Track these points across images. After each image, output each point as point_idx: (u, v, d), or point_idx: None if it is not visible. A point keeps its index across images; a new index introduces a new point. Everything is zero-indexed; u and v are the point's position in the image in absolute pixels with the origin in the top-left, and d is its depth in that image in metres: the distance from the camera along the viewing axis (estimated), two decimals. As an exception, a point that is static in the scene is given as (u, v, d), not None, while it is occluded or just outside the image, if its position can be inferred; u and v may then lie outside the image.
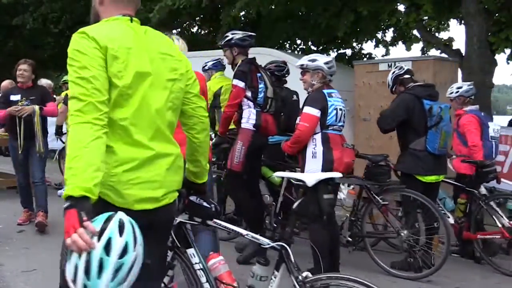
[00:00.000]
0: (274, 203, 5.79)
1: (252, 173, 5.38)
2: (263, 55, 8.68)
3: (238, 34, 5.40)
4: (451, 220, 5.80)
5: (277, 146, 5.47)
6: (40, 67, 19.75)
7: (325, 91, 4.78)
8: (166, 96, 2.33)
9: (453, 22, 13.96)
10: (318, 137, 4.68)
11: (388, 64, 8.30)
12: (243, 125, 5.23)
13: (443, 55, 11.02)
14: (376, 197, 5.32)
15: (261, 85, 5.31)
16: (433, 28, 13.21)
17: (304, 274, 2.64)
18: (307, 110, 4.68)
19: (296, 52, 17.70)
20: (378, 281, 5.01)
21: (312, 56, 5.03)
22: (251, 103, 5.23)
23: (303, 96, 5.66)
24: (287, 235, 2.80)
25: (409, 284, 5.03)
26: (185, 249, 2.86)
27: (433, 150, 5.30)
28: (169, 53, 2.41)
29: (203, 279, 2.77)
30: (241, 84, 5.13)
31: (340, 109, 4.78)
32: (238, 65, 5.29)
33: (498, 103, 49.42)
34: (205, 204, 2.80)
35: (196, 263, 2.82)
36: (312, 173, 4.37)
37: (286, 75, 6.45)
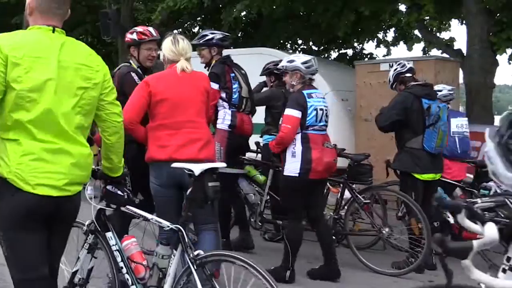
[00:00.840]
0: (259, 202, 5.83)
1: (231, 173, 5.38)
2: (264, 55, 8.70)
3: (218, 34, 5.38)
4: (451, 220, 5.80)
5: None
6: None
7: (305, 91, 4.84)
8: (75, 102, 2.65)
9: (454, 22, 13.98)
10: (298, 137, 4.77)
11: (390, 64, 8.29)
12: (218, 126, 5.25)
13: (445, 55, 11.03)
14: (359, 195, 5.41)
15: (235, 85, 5.31)
16: (434, 28, 13.21)
17: (196, 252, 3.01)
18: (288, 111, 4.78)
19: (297, 52, 17.71)
20: (378, 281, 5.05)
21: (291, 57, 5.12)
22: (225, 104, 5.25)
23: None
24: (183, 219, 3.16)
25: (410, 283, 5.03)
26: (104, 233, 3.28)
27: (430, 149, 5.31)
28: (85, 64, 2.72)
29: (119, 259, 3.22)
30: (215, 86, 5.11)
31: (321, 109, 4.84)
32: (212, 66, 5.26)
33: (499, 104, 49.40)
34: (119, 192, 3.21)
35: (113, 245, 3.25)
36: (291, 172, 4.70)
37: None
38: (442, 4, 10.63)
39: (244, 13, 12.60)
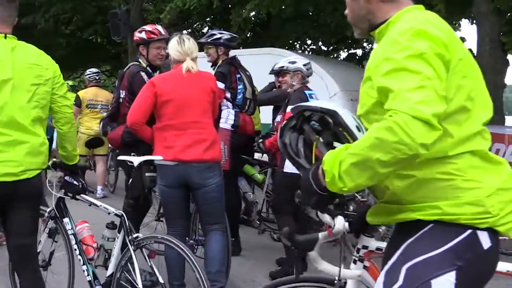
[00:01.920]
0: (257, 201, 5.89)
1: (232, 172, 5.43)
2: (274, 55, 8.69)
3: (226, 34, 5.42)
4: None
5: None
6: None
7: (306, 92, 4.94)
8: (29, 97, 3.05)
9: (464, 22, 13.94)
10: None
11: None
12: (221, 125, 5.26)
13: (455, 55, 10.97)
14: (356, 194, 5.36)
15: (240, 86, 5.35)
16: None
17: (135, 235, 3.33)
18: (291, 109, 4.79)
19: (306, 52, 17.70)
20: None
21: (292, 58, 5.22)
22: (229, 104, 5.27)
23: None
24: (125, 206, 3.54)
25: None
26: (62, 218, 3.61)
27: None
28: (36, 63, 3.13)
29: (73, 242, 3.54)
30: (221, 85, 5.14)
31: None
32: (218, 65, 5.29)
33: (510, 104, 49.13)
34: (75, 182, 3.53)
35: (69, 229, 3.58)
36: (292, 169, 4.52)
37: None
38: (453, 4, 10.58)
39: (253, 13, 12.60)
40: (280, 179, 5.09)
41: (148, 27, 4.60)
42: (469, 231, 1.65)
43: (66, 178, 3.57)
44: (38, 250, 3.57)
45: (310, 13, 14.28)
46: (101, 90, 9.26)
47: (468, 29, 46.20)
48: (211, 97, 4.08)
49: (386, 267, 1.76)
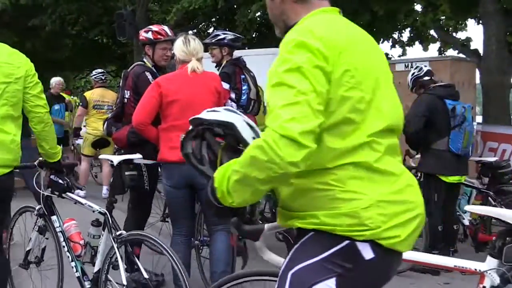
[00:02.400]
0: (259, 200, 5.84)
1: None
2: (279, 56, 8.66)
3: (230, 35, 5.41)
4: (466, 222, 5.75)
5: None
6: (57, 68, 19.98)
7: None
8: None
9: (471, 22, 13.91)
10: None
11: (405, 65, 8.24)
12: None
13: (461, 55, 10.94)
14: None
15: (245, 87, 5.33)
16: (450, 28, 13.12)
17: (119, 232, 3.39)
18: None
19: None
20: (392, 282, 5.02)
21: None
22: (234, 105, 5.26)
23: None
24: (108, 203, 3.52)
25: (427, 285, 5.00)
26: (50, 216, 3.69)
27: (457, 150, 5.24)
28: (6, 62, 3.19)
29: (61, 239, 3.63)
30: (226, 86, 5.14)
31: None
32: (223, 66, 5.28)
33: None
34: (60, 181, 3.63)
35: (57, 227, 3.66)
36: None
37: None
38: (458, 4, 10.55)
39: (259, 13, 12.59)
40: None
41: (154, 28, 4.59)
42: (346, 242, 1.64)
43: (52, 177, 3.65)
44: (28, 248, 3.79)
45: (316, 13, 14.26)
46: (107, 91, 9.28)
47: (475, 29, 46.03)
48: (216, 97, 4.07)
49: (280, 272, 1.79)
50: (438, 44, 14.81)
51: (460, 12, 11.34)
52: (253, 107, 5.45)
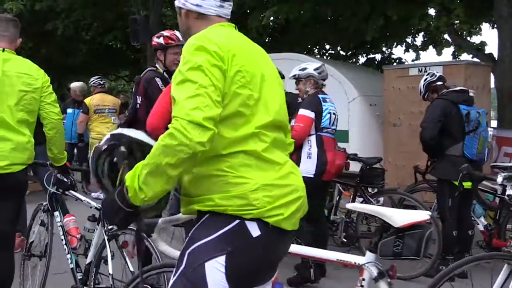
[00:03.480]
0: None
1: None
2: (292, 60, 8.67)
3: None
4: (480, 227, 5.70)
5: None
6: (72, 73, 20.12)
7: (320, 96, 5.03)
8: (16, 101, 3.54)
9: (485, 26, 13.75)
10: (313, 138, 4.92)
11: (419, 69, 8.19)
12: None
13: (475, 59, 10.86)
14: (370, 198, 5.44)
15: None
16: (464, 32, 13.01)
17: (110, 226, 3.57)
18: (302, 112, 4.93)
19: (325, 57, 17.64)
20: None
21: (302, 65, 5.26)
22: None
23: None
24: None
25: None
26: (53, 212, 4.07)
27: (471, 155, 5.21)
28: (26, 73, 3.63)
29: (61, 233, 3.99)
30: None
31: (334, 114, 5.06)
32: None
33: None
34: (65, 179, 4.04)
35: (58, 222, 4.03)
36: (306, 173, 4.72)
37: (281, 78, 6.51)
38: (472, 7, 10.48)
39: (272, 18, 12.60)
40: None
41: (166, 33, 4.61)
42: (237, 221, 1.90)
43: (58, 176, 4.04)
44: (31, 240, 4.18)
45: (329, 18, 14.23)
46: (106, 95, 9.38)
47: (489, 33, 45.79)
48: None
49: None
50: (452, 49, 14.71)
51: (474, 16, 11.25)
52: None
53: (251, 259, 1.93)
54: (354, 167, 5.76)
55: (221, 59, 1.89)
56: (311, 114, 4.89)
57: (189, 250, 1.93)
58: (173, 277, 1.96)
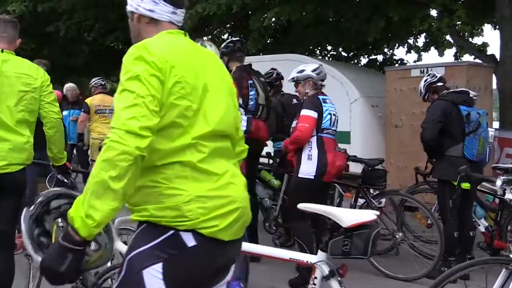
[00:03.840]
0: (273, 206, 5.96)
1: (248, 177, 5.47)
2: (294, 61, 8.68)
3: (223, 43, 5.56)
4: (481, 228, 5.70)
5: None
6: (74, 74, 20.13)
7: (320, 97, 5.04)
8: (16, 101, 3.58)
9: (487, 27, 13.77)
10: (313, 140, 4.94)
11: (421, 70, 8.20)
12: None
13: (477, 60, 10.85)
14: (372, 200, 5.44)
15: (252, 92, 5.40)
16: (466, 33, 13.02)
17: None
18: (306, 112, 4.93)
19: (326, 58, 17.65)
20: (391, 286, 5.10)
21: (300, 67, 5.27)
22: (241, 110, 5.30)
23: None
24: None
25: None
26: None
27: (471, 156, 5.22)
28: (25, 73, 3.67)
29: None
30: None
31: (334, 115, 5.07)
32: (232, 72, 5.34)
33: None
34: (65, 180, 4.08)
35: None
36: (306, 174, 4.86)
37: (279, 80, 6.71)
38: (474, 9, 10.48)
39: (273, 19, 12.60)
40: (293, 184, 5.13)
41: (169, 34, 4.62)
42: (172, 231, 1.91)
43: (59, 176, 4.11)
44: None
45: (331, 19, 14.23)
46: (107, 96, 9.43)
47: (491, 34, 45.76)
48: (232, 103, 4.08)
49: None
50: (454, 50, 14.70)
51: (476, 17, 11.26)
52: (262, 112, 5.48)
53: (188, 268, 1.94)
54: (356, 168, 5.77)
55: (159, 69, 1.89)
56: (315, 114, 4.90)
57: (128, 258, 1.96)
58: (115, 285, 2.00)
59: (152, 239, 1.92)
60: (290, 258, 2.74)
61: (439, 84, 5.55)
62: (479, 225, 5.69)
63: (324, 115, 4.95)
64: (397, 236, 5.40)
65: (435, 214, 5.48)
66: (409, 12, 11.15)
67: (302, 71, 5.15)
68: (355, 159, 5.58)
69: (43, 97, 3.73)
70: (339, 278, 2.50)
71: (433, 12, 12.02)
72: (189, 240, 1.91)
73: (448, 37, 14.09)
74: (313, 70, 5.10)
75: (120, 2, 17.26)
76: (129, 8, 2.21)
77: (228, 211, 1.98)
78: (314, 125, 4.90)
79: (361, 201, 5.55)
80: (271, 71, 6.65)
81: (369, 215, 2.56)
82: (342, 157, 5.11)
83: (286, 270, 5.06)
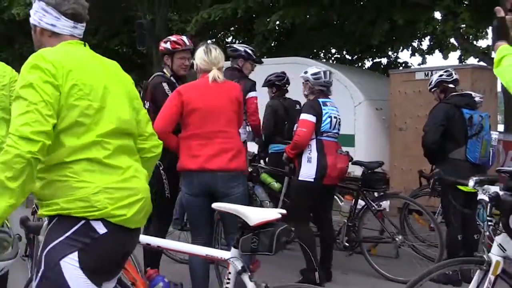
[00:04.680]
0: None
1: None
2: (298, 65, 8.69)
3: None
4: (486, 232, 5.66)
5: (279, 154, 5.95)
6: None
7: (320, 100, 5.03)
8: None
9: (491, 30, 13.69)
10: (313, 143, 4.93)
11: (425, 73, 8.19)
12: None
13: (482, 63, 10.82)
14: (372, 202, 5.43)
15: None
16: (471, 36, 13.00)
17: None
18: (304, 116, 4.95)
19: (330, 61, 17.65)
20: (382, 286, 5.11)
21: (309, 68, 5.29)
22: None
23: None
24: None
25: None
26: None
27: (474, 159, 5.20)
28: None
29: None
30: (254, 94, 5.31)
31: (335, 117, 5.04)
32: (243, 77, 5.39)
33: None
34: None
35: None
36: (306, 176, 4.86)
37: (287, 85, 6.67)
38: (479, 11, 10.45)
39: (277, 22, 12.61)
40: (294, 187, 5.14)
41: (173, 38, 4.64)
42: (83, 221, 2.06)
43: None
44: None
45: (335, 22, 14.23)
46: None
47: (495, 37, 45.42)
48: (236, 106, 4.09)
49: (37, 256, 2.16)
50: (458, 53, 14.67)
51: (481, 20, 11.20)
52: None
53: (102, 254, 2.11)
54: (359, 172, 5.76)
55: (53, 76, 2.03)
56: (313, 118, 4.90)
57: (44, 253, 2.08)
58: (35, 280, 2.11)
59: (65, 231, 2.06)
60: (206, 255, 2.93)
61: (451, 85, 5.53)
62: (483, 228, 5.66)
63: (324, 118, 4.94)
64: (397, 239, 5.38)
65: (435, 217, 5.47)
66: (413, 15, 11.13)
67: (305, 72, 5.18)
68: (354, 161, 5.59)
69: (12, 93, 3.74)
70: (249, 274, 2.67)
71: (438, 15, 11.99)
72: (100, 228, 2.08)
73: (452, 40, 14.07)
74: (312, 74, 5.10)
75: (124, 5, 17.34)
76: (31, 21, 2.32)
77: (133, 201, 2.16)
78: (312, 129, 4.90)
79: (362, 204, 5.55)
80: (283, 75, 6.63)
81: (274, 214, 2.73)
82: (344, 160, 5.11)
83: (290, 273, 5.06)
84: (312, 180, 4.87)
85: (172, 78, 4.57)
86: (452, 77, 5.55)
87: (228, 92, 4.04)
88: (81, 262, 2.05)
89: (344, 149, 5.32)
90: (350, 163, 5.39)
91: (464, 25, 10.96)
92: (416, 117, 7.93)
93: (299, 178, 4.96)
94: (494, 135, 6.04)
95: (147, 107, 4.50)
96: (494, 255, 3.00)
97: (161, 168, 4.34)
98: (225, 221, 4.10)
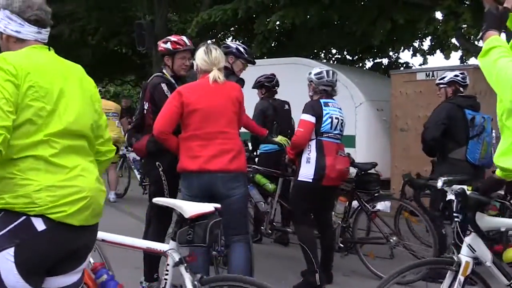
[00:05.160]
0: (268, 210, 5.98)
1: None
2: (299, 65, 8.66)
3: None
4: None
5: (269, 154, 6.10)
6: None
7: (322, 100, 5.00)
8: None
9: (493, 31, 13.63)
10: (312, 143, 4.91)
11: (426, 74, 8.16)
12: None
13: (483, 64, 10.75)
14: (366, 204, 5.42)
15: None
16: (472, 36, 12.94)
17: None
18: (303, 116, 4.93)
19: (331, 61, 17.61)
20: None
21: (313, 69, 5.30)
22: None
23: (294, 105, 6.47)
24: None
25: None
26: None
27: (474, 160, 5.22)
28: None
29: None
30: None
31: (336, 118, 4.99)
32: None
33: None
34: None
35: None
36: (305, 177, 4.85)
37: (276, 87, 6.72)
38: (480, 12, 10.40)
39: (278, 22, 12.58)
40: (293, 187, 5.13)
41: (173, 38, 4.60)
42: (23, 217, 2.16)
43: None
44: None
45: (335, 22, 14.19)
46: (106, 101, 9.64)
47: (496, 38, 45.42)
48: (236, 107, 4.06)
49: None
50: (459, 53, 14.62)
51: (482, 20, 11.17)
52: None
53: (39, 251, 2.19)
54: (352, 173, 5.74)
55: (14, 76, 2.16)
56: (312, 119, 4.86)
57: None
58: None
59: (6, 225, 2.16)
60: (147, 247, 3.06)
61: (461, 88, 5.53)
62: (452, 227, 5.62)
63: (324, 118, 4.89)
64: (391, 240, 5.36)
65: (428, 219, 5.44)
66: (414, 15, 11.10)
67: (309, 73, 5.17)
68: (352, 163, 5.54)
69: None
70: (185, 265, 2.79)
71: (439, 15, 11.96)
72: (39, 225, 2.17)
73: (453, 40, 14.01)
74: (315, 74, 5.09)
75: (124, 6, 17.32)
76: None
77: (76, 199, 2.24)
78: (310, 129, 4.86)
79: (357, 205, 5.54)
80: (272, 77, 6.67)
81: (208, 207, 2.83)
82: (344, 161, 5.05)
83: (291, 275, 5.03)
84: (311, 180, 4.84)
85: (171, 78, 4.53)
86: (466, 82, 5.56)
87: (228, 93, 4.01)
88: (17, 258, 2.14)
89: (345, 150, 5.28)
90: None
91: (465, 25, 10.92)
92: (417, 118, 7.89)
93: (298, 178, 4.94)
94: (495, 135, 6.02)
95: (146, 107, 4.47)
96: (464, 256, 3.00)
97: (160, 169, 4.32)
98: (225, 223, 4.06)
